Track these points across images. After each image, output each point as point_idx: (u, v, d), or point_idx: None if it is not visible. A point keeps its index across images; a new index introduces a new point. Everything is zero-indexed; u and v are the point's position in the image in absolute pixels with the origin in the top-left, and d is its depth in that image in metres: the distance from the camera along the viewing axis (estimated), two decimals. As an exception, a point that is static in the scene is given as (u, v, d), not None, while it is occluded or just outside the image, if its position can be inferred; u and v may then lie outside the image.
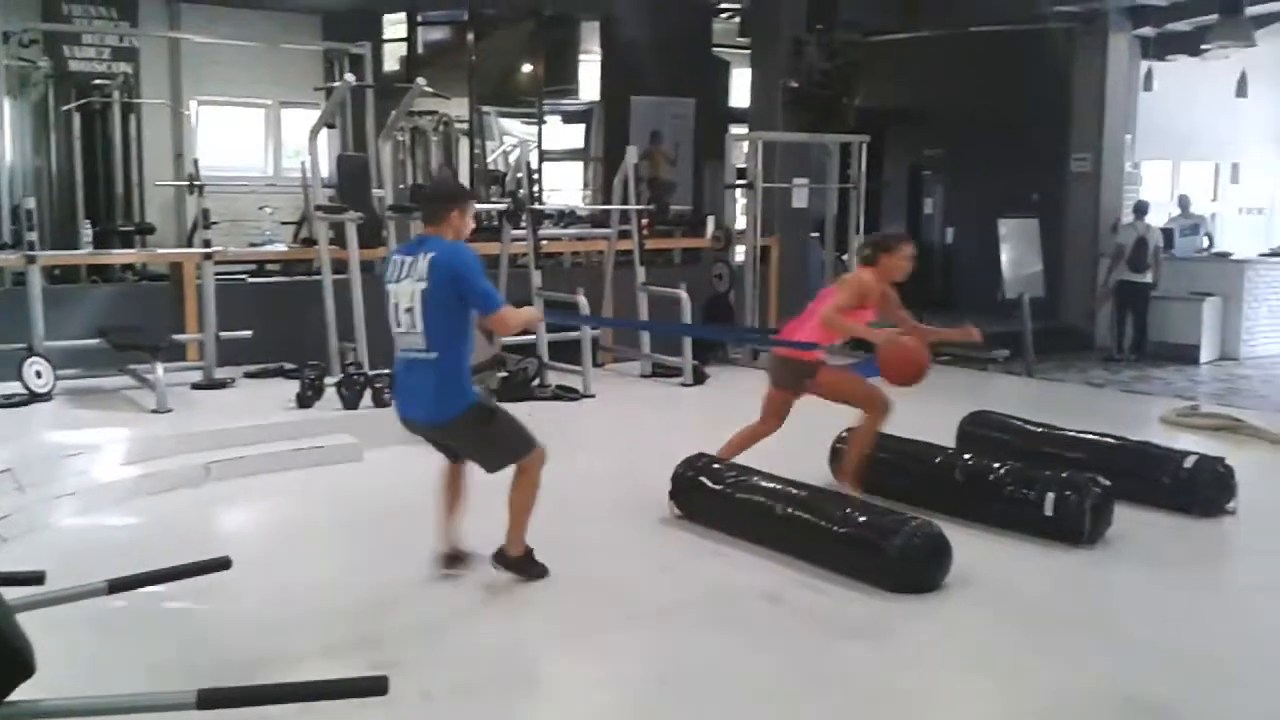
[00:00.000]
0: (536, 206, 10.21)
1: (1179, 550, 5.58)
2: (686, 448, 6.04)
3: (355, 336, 8.43)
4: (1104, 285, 13.53)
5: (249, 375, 8.73)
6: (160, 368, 7.55)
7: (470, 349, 4.69)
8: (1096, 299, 13.85)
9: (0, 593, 2.66)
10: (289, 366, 8.65)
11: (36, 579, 3.19)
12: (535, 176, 12.72)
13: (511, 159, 13.48)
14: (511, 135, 14.26)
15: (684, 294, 9.86)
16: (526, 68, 14.37)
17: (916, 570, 4.83)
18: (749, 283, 11.18)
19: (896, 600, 4.73)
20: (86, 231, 9.35)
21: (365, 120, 10.65)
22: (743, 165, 11.78)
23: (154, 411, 7.41)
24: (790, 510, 5.28)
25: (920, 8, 14.47)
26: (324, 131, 9.41)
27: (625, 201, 10.25)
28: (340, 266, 8.67)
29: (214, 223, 8.79)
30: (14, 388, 7.68)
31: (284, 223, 12.27)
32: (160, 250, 10.32)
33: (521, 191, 9.69)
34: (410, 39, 13.44)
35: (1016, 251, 14.57)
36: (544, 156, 14.09)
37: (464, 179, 13.11)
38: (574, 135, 15.93)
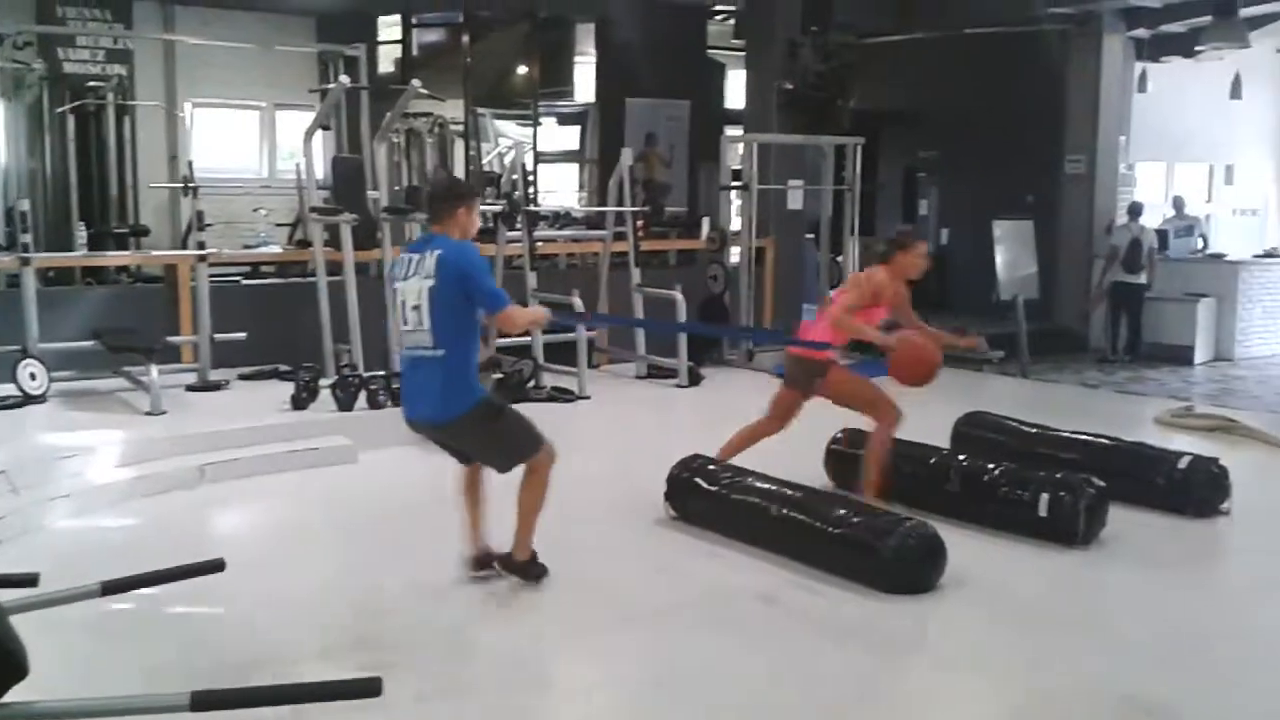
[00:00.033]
0: (532, 208, 10.21)
1: (1173, 551, 5.59)
2: (682, 449, 6.04)
3: (350, 338, 8.42)
4: (1098, 286, 13.54)
5: (243, 377, 8.71)
6: (155, 370, 7.54)
7: (477, 348, 4.67)
8: (1091, 300, 13.87)
9: (-6, 595, 2.66)
10: (284, 368, 8.63)
11: (30, 581, 3.18)
12: (530, 178, 12.73)
13: (507, 161, 13.47)
14: (507, 137, 14.24)
15: (679, 295, 9.87)
16: (521, 69, 14.36)
17: (911, 571, 4.84)
18: (744, 284, 11.20)
19: (891, 601, 4.74)
20: (81, 233, 9.34)
21: (360, 122, 10.64)
22: (738, 167, 11.79)
23: (148, 413, 7.39)
24: (785, 511, 5.29)
25: (915, 10, 14.49)
26: (319, 133, 9.41)
27: (620, 203, 10.25)
28: (335, 268, 8.66)
29: (208, 225, 8.77)
30: (8, 390, 7.66)
31: (279, 224, 12.25)
32: (155, 252, 10.29)
33: (517, 193, 9.70)
34: (405, 41, 13.42)
35: (1011, 253, 14.58)
36: (539, 158, 14.08)
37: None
38: (569, 137, 15.94)
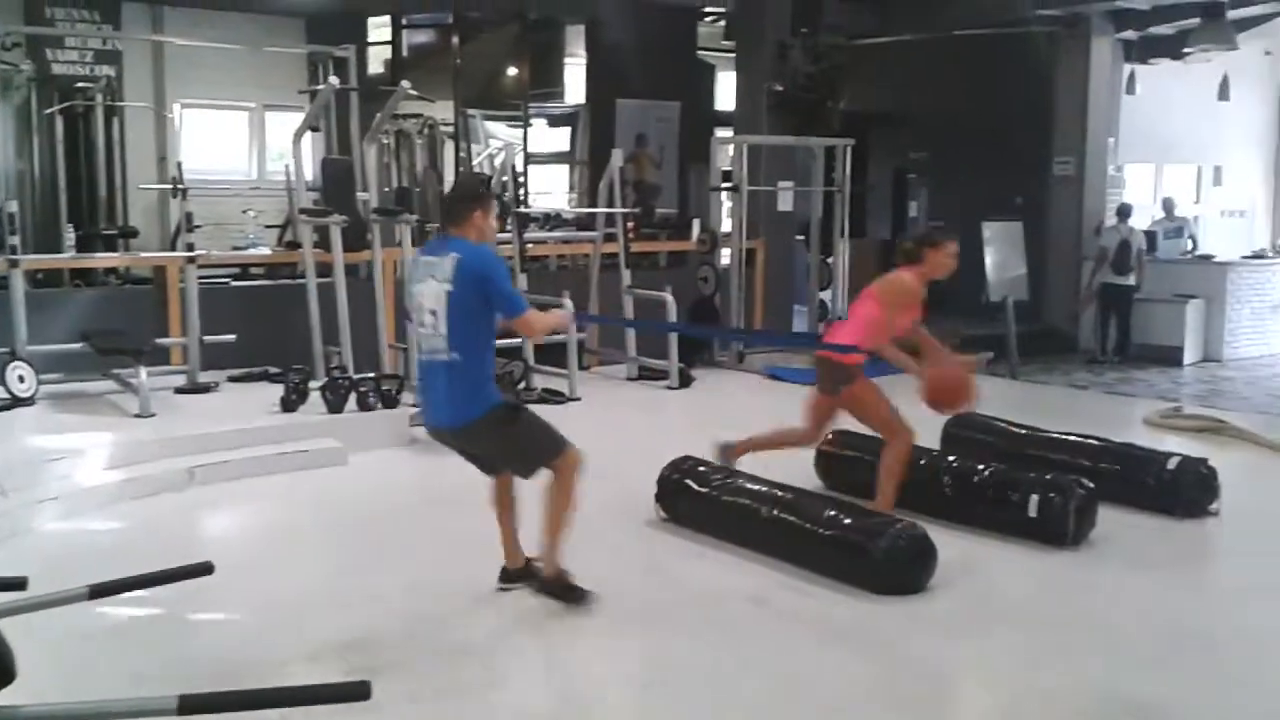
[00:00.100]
0: (522, 209, 10.21)
1: (1162, 551, 5.60)
2: (672, 450, 6.05)
3: (340, 340, 8.41)
4: (1087, 288, 13.58)
5: (233, 379, 8.69)
6: (144, 372, 7.51)
7: (493, 352, 4.60)
8: (1080, 302, 13.90)
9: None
10: (273, 370, 8.62)
11: (18, 584, 3.17)
12: (521, 180, 12.72)
13: (497, 162, 13.45)
14: (497, 138, 14.23)
15: (669, 297, 9.88)
16: (512, 71, 14.35)
17: (901, 572, 4.85)
18: (734, 285, 11.20)
19: (882, 602, 4.74)
20: (69, 235, 9.31)
21: (350, 123, 10.62)
22: (728, 168, 11.80)
23: (137, 416, 7.37)
24: (776, 513, 5.29)
25: (904, 12, 14.51)
26: (308, 134, 9.39)
27: (611, 205, 10.26)
28: (325, 270, 8.64)
29: (197, 226, 8.75)
30: (-4, 392, 7.65)
31: (268, 226, 12.22)
32: (144, 254, 10.27)
33: (507, 195, 9.69)
34: (395, 42, 13.38)
35: (1000, 254, 14.63)
36: (529, 159, 14.06)
37: (449, 182, 13.09)
38: (559, 138, 15.92)
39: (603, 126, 14.55)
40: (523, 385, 8.77)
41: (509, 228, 9.43)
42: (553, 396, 8.82)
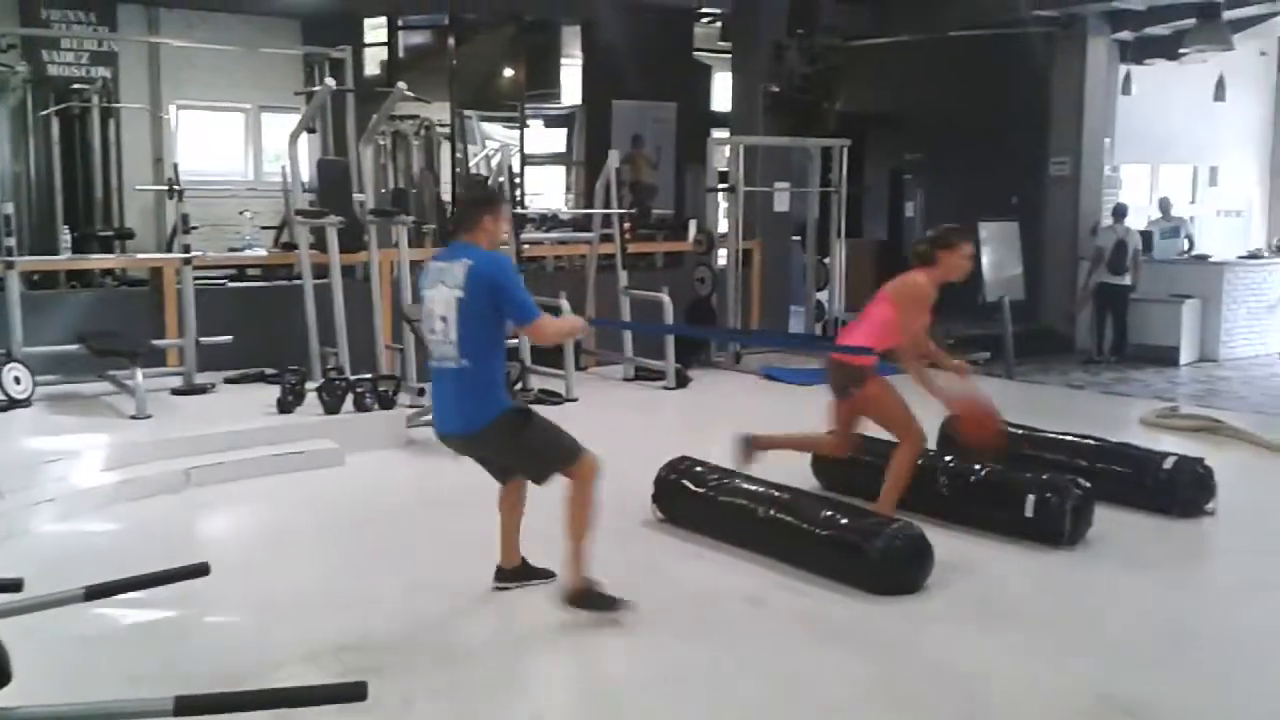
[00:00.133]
0: (519, 211, 10.20)
1: (1159, 551, 5.61)
2: (669, 451, 6.05)
3: (336, 341, 8.40)
4: (1084, 288, 13.59)
5: (229, 380, 8.68)
6: (140, 373, 7.51)
7: (504, 358, 4.56)
8: (1076, 302, 13.92)
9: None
10: (269, 371, 8.61)
11: (14, 586, 3.16)
12: (517, 181, 12.72)
13: (493, 163, 13.46)
14: (493, 139, 14.23)
15: (666, 298, 9.88)
16: (508, 72, 14.36)
17: (898, 572, 4.85)
18: (731, 286, 11.21)
19: (878, 602, 4.75)
20: (65, 237, 9.30)
21: (346, 124, 10.60)
22: (724, 169, 11.81)
23: (133, 417, 7.36)
24: (772, 513, 5.29)
25: (900, 12, 14.53)
26: (304, 136, 9.39)
27: (607, 205, 10.26)
28: (321, 271, 8.64)
29: (194, 227, 8.74)
30: (-8, 394, 7.64)
31: (264, 227, 12.21)
32: (140, 255, 10.27)
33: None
34: (391, 43, 13.40)
35: (997, 254, 14.61)
36: (526, 161, 14.08)
37: (445, 183, 13.10)
38: (556, 139, 15.92)
39: (599, 127, 14.55)
40: (519, 386, 8.76)
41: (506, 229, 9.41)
42: (549, 397, 8.81)
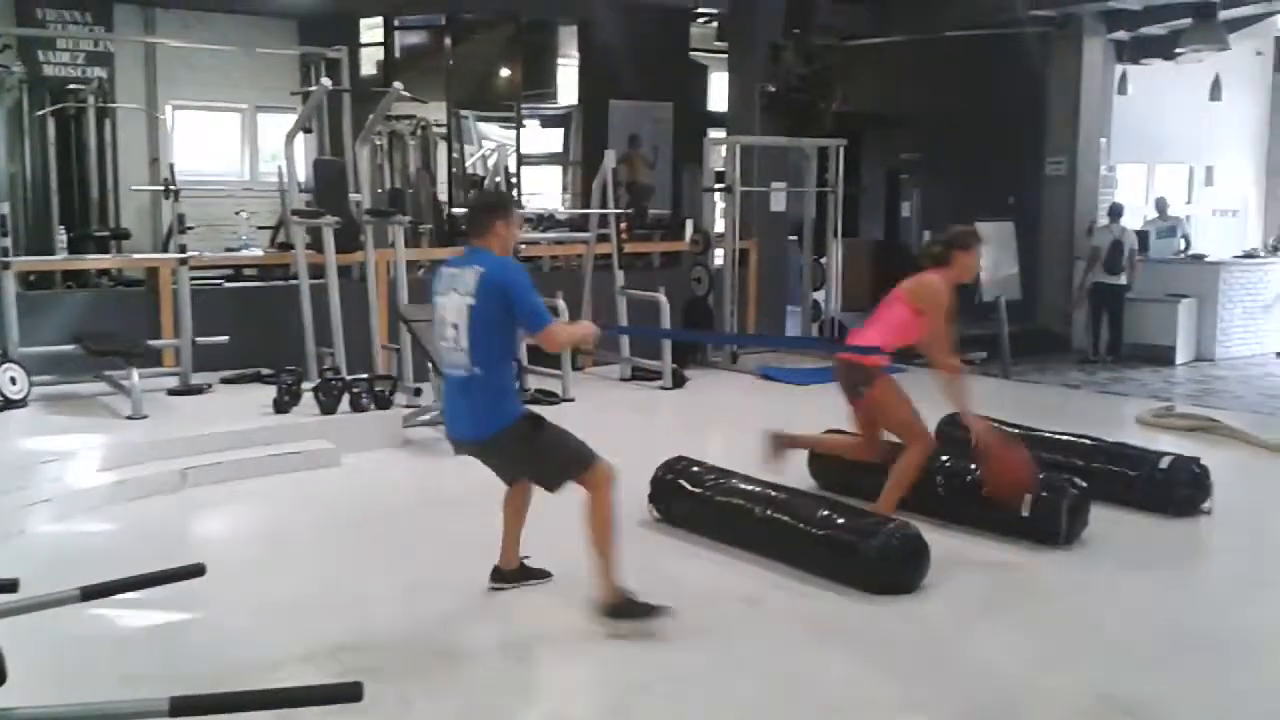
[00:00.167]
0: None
1: (1155, 550, 5.62)
2: (666, 451, 6.05)
3: (333, 341, 8.39)
4: (1080, 288, 13.60)
5: (225, 381, 8.67)
6: (136, 374, 7.50)
7: (514, 364, 4.53)
8: (1072, 301, 13.93)
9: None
10: (266, 372, 8.60)
11: (10, 586, 3.15)
12: (514, 180, 12.72)
13: (490, 163, 13.46)
14: (490, 139, 14.22)
15: (663, 298, 9.88)
16: (504, 72, 14.34)
17: (894, 571, 4.85)
18: (728, 286, 11.21)
19: (875, 601, 4.75)
20: (61, 237, 9.29)
21: (342, 124, 10.60)
22: (721, 169, 11.80)
23: (130, 418, 7.36)
24: (769, 513, 5.29)
25: (896, 12, 14.54)
26: (300, 136, 9.37)
27: (604, 205, 10.25)
28: (317, 271, 8.63)
29: (190, 227, 8.73)
30: (-12, 394, 7.63)
31: (260, 227, 12.20)
32: (136, 255, 10.25)
33: (499, 196, 9.68)
34: (387, 43, 13.39)
35: (993, 254, 14.57)
36: (522, 160, 14.07)
37: (442, 183, 13.09)
38: (552, 139, 15.92)
39: (596, 127, 14.55)
40: (516, 386, 8.75)
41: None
42: (546, 397, 8.81)
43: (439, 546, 5.54)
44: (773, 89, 12.25)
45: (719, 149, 11.95)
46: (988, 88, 14.53)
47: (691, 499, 5.67)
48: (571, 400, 8.96)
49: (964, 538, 5.51)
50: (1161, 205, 15.09)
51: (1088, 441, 6.49)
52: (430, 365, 7.72)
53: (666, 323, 9.94)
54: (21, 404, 7.64)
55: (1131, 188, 16.11)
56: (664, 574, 5.19)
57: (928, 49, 14.39)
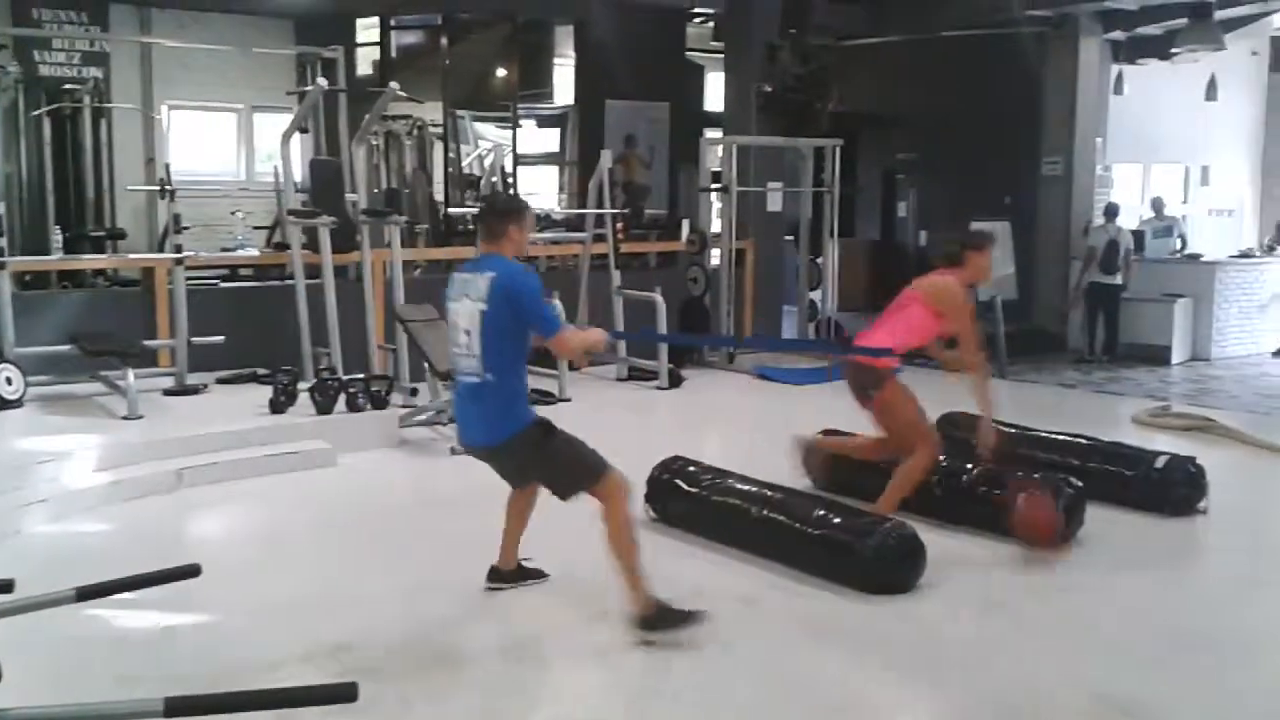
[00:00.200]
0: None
1: (1151, 550, 5.62)
2: (662, 451, 6.05)
3: (329, 341, 8.39)
4: (1076, 288, 13.61)
5: (221, 381, 8.66)
6: (132, 374, 7.49)
7: (526, 370, 4.51)
8: (1068, 301, 13.93)
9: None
10: (262, 372, 8.59)
11: (5, 587, 3.15)
12: (510, 180, 12.72)
13: (486, 163, 13.47)
14: (486, 139, 14.22)
15: (659, 298, 9.88)
16: (501, 72, 14.34)
17: (891, 571, 4.86)
18: (724, 286, 11.21)
19: (871, 601, 4.75)
20: (57, 237, 9.28)
21: (338, 124, 10.61)
22: (717, 169, 11.80)
23: (125, 418, 7.35)
24: (765, 512, 5.30)
25: (893, 12, 14.54)
26: (296, 136, 9.36)
27: (600, 205, 10.26)
28: (313, 271, 8.63)
29: (185, 227, 8.75)
30: (-17, 395, 7.61)
31: (256, 227, 12.20)
32: (131, 255, 10.25)
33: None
34: (383, 43, 13.37)
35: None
36: (518, 160, 14.06)
37: (438, 183, 13.09)
38: (549, 139, 15.91)
39: (592, 127, 14.54)
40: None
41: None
42: (543, 397, 8.80)
43: (436, 546, 5.54)
44: (769, 89, 12.25)
45: (715, 149, 11.95)
46: (984, 88, 14.53)
47: (688, 499, 5.68)
48: (568, 400, 8.96)
49: (961, 537, 5.51)
50: (1157, 205, 15.08)
51: (1084, 441, 6.50)
52: (426, 365, 7.73)
53: (663, 323, 9.94)
54: (17, 404, 7.62)
55: (1127, 187, 16.13)
56: (660, 574, 5.15)
57: (924, 49, 14.40)
